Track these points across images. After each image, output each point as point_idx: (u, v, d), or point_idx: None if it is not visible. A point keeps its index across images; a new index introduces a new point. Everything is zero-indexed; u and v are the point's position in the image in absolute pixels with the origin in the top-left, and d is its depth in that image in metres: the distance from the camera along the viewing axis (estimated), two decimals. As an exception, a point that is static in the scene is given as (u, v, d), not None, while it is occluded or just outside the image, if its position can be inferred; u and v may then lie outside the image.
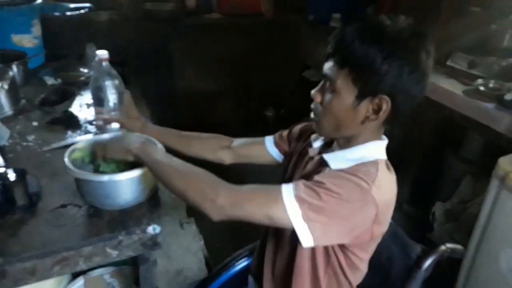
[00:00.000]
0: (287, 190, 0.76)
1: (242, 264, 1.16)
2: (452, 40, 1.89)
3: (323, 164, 0.87)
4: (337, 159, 0.85)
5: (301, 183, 0.78)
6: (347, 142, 0.86)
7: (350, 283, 0.90)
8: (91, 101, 1.54)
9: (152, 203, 0.98)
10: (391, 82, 0.76)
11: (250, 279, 1.14)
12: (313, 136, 0.97)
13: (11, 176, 0.92)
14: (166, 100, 3.18)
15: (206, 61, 3.19)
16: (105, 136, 1.00)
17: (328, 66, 0.81)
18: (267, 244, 1.03)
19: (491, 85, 1.69)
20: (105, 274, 1.38)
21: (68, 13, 1.99)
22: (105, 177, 0.87)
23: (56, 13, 1.95)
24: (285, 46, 3.25)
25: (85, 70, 1.83)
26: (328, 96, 0.82)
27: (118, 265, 1.41)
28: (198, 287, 1.16)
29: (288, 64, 3.31)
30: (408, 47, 0.76)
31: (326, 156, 0.86)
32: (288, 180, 0.98)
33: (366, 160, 0.82)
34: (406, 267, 0.88)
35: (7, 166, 0.94)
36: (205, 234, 1.85)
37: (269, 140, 1.11)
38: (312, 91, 0.86)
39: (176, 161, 0.86)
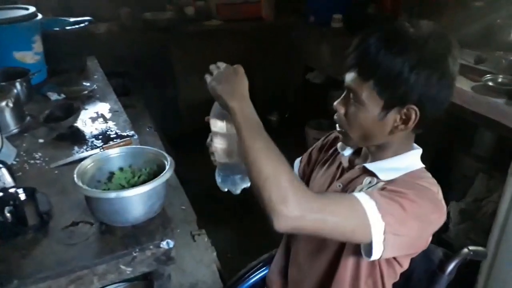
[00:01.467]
0: (366, 200, 0.70)
1: (258, 275, 1.14)
2: (457, 36, 1.86)
3: (366, 173, 0.86)
4: (384, 170, 0.83)
5: (376, 193, 0.73)
6: (380, 150, 0.85)
7: None
8: (95, 115, 1.53)
9: (163, 217, 0.96)
10: (419, 91, 0.74)
11: (267, 290, 1.11)
12: (339, 145, 0.96)
13: (22, 196, 0.90)
14: (169, 109, 3.18)
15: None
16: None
17: (350, 77, 0.79)
18: (294, 253, 1.00)
19: (499, 80, 1.67)
20: (118, 289, 1.36)
21: (68, 27, 1.98)
22: (113, 194, 0.86)
23: (56, 28, 1.94)
24: (287, 49, 3.24)
25: (87, 84, 1.82)
26: (352, 108, 0.80)
27: (130, 281, 1.39)
28: (214, 300, 1.14)
29: (290, 67, 3.30)
30: (435, 55, 0.74)
31: (370, 167, 0.85)
32: (317, 188, 0.97)
33: (413, 169, 0.82)
34: (428, 272, 0.86)
35: (16, 185, 0.92)
36: (215, 245, 1.82)
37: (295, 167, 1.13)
38: (335, 103, 0.84)
39: (268, 138, 0.73)
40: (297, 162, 1.13)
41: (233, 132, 0.82)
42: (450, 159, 1.97)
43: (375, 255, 0.72)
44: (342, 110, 0.82)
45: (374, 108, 0.77)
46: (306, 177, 1.08)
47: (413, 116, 0.76)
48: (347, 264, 0.86)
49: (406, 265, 0.87)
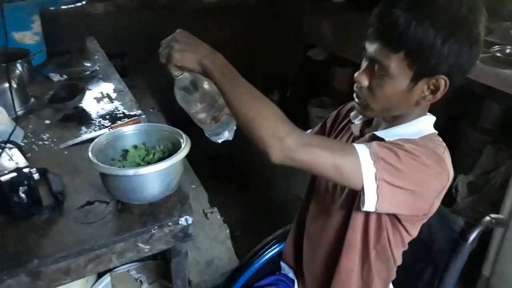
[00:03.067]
0: (361, 147, 0.72)
1: (273, 251, 1.14)
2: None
3: (375, 140, 0.84)
4: (393, 135, 0.82)
5: (374, 143, 0.73)
6: (395, 119, 0.84)
7: (395, 260, 0.89)
8: (99, 95, 1.50)
9: (180, 194, 0.95)
10: (451, 62, 0.72)
11: (283, 265, 1.12)
12: (352, 114, 0.94)
13: (36, 175, 0.88)
14: (169, 90, 3.14)
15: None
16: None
17: (375, 48, 0.76)
18: (306, 224, 1.00)
19: (508, 51, 1.65)
20: (131, 270, 1.36)
21: (64, 7, 1.93)
22: (131, 171, 0.84)
23: (52, 8, 1.89)
24: (287, 26, 3.18)
25: (89, 64, 1.79)
26: (378, 80, 0.78)
27: (142, 261, 1.39)
28: (231, 277, 1.14)
29: (291, 44, 3.25)
30: (468, 23, 0.72)
31: (380, 134, 0.84)
32: None
33: (424, 134, 0.80)
34: (450, 241, 0.86)
35: (29, 166, 0.91)
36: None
37: None
38: (356, 74, 0.81)
39: (247, 84, 0.75)
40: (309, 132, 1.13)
41: (209, 97, 0.90)
42: (457, 132, 1.96)
43: (369, 204, 0.72)
44: (365, 82, 0.79)
45: (402, 79, 0.75)
46: None
47: (443, 86, 0.75)
48: (355, 227, 0.86)
49: (414, 232, 0.86)
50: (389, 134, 0.83)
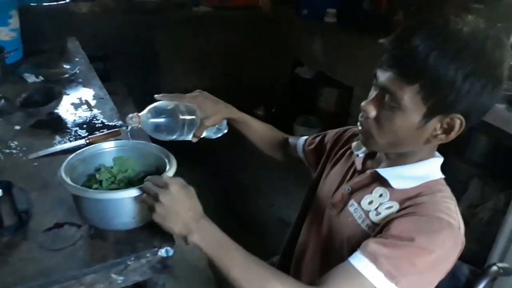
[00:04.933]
0: (373, 274, 0.65)
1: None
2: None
3: (377, 179, 0.78)
4: (398, 177, 0.76)
5: (383, 252, 0.66)
6: (402, 156, 0.77)
7: None
8: (77, 101, 1.40)
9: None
10: (470, 101, 0.66)
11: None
12: (354, 144, 0.88)
13: (-3, 192, 0.78)
14: (151, 97, 3.04)
15: (194, 56, 3.07)
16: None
17: (388, 78, 0.69)
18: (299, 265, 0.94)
19: (500, 85, 1.63)
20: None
21: (46, 3, 1.81)
22: (109, 195, 0.75)
23: (33, 4, 1.77)
24: (276, 41, 3.15)
25: (68, 66, 1.68)
26: (387, 112, 0.71)
27: None
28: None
29: (279, 60, 3.22)
30: (492, 62, 0.66)
31: (383, 173, 0.77)
32: (327, 189, 0.91)
33: (431, 179, 0.75)
34: (454, 291, 0.80)
35: (-10, 180, 0.80)
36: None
37: (299, 145, 1.09)
38: (363, 104, 0.74)
39: (240, 251, 0.72)
40: (301, 140, 1.09)
41: (186, 123, 0.88)
42: (444, 163, 1.93)
43: None
44: (373, 112, 0.73)
45: (414, 114, 0.69)
46: (313, 162, 1.05)
47: (458, 126, 0.69)
48: None
49: None
50: (393, 174, 0.77)
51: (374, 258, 0.65)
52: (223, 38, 3.06)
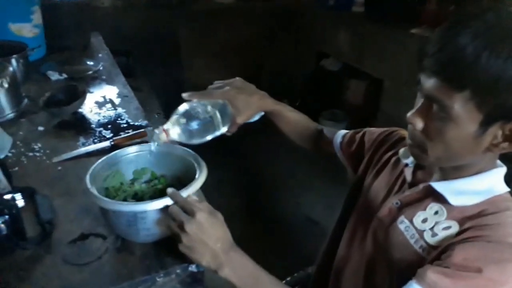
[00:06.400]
0: None
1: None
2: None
3: (431, 194, 0.70)
4: (456, 192, 0.67)
5: (445, 285, 0.58)
6: (456, 168, 0.68)
7: None
8: (101, 99, 1.35)
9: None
10: None
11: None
12: (401, 151, 0.79)
13: (20, 202, 0.73)
14: (174, 92, 3.00)
15: (216, 50, 3.00)
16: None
17: (433, 85, 0.60)
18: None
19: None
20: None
21: (68, -1, 1.78)
22: (139, 206, 0.69)
23: (57, -1, 1.74)
24: (300, 33, 3.06)
25: (91, 63, 1.64)
26: (437, 123, 0.62)
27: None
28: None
29: (303, 52, 3.13)
30: None
31: (439, 187, 0.68)
32: (371, 200, 0.83)
33: (495, 194, 0.65)
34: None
35: (13, 189, 0.76)
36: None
37: (335, 141, 1.00)
38: (409, 114, 0.65)
39: (271, 280, 0.69)
40: (338, 136, 1.00)
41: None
42: (508, 173, 1.81)
43: None
44: (420, 124, 0.64)
45: (469, 123, 0.60)
46: (351, 162, 0.97)
47: None
48: None
49: None
50: (450, 189, 0.68)
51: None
52: (245, 31, 2.98)
